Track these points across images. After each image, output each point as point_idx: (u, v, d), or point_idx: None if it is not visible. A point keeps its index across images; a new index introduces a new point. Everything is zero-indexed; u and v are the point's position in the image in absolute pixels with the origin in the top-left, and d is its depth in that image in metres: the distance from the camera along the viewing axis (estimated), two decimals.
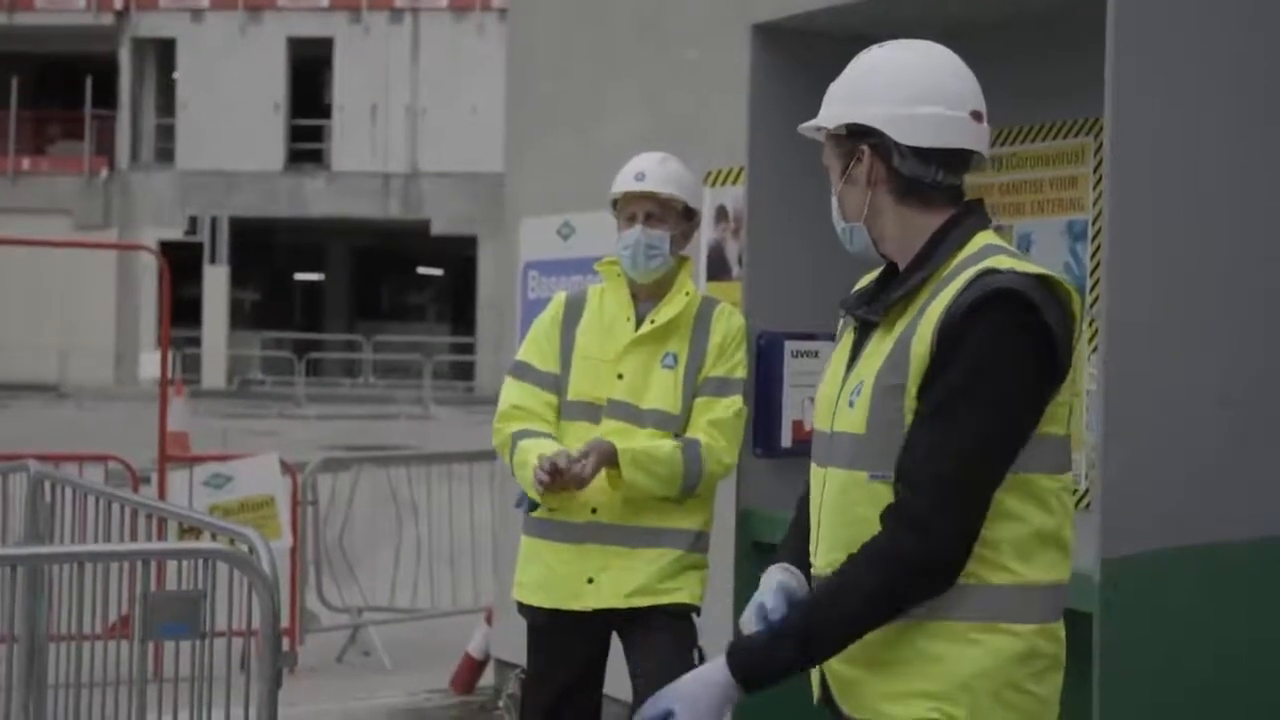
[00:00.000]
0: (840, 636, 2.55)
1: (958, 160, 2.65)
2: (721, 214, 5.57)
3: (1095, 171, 4.03)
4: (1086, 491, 3.98)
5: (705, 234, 5.56)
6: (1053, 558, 2.56)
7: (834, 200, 2.74)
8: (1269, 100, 3.45)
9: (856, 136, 2.65)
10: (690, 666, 4.11)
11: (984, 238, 2.64)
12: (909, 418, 2.53)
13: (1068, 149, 4.18)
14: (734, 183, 5.38)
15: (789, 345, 4.40)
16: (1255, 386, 3.43)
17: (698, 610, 4.24)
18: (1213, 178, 3.40)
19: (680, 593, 4.18)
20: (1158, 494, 3.31)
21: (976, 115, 2.67)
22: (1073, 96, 4.08)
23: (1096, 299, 3.79)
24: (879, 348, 2.63)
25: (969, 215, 2.67)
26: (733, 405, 4.19)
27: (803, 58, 4.40)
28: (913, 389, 2.52)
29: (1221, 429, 3.38)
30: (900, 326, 2.60)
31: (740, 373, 4.24)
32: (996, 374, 2.47)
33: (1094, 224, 4.05)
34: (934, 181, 2.64)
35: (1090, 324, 3.97)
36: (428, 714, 7.08)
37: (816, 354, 4.47)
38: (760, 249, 4.41)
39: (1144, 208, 3.33)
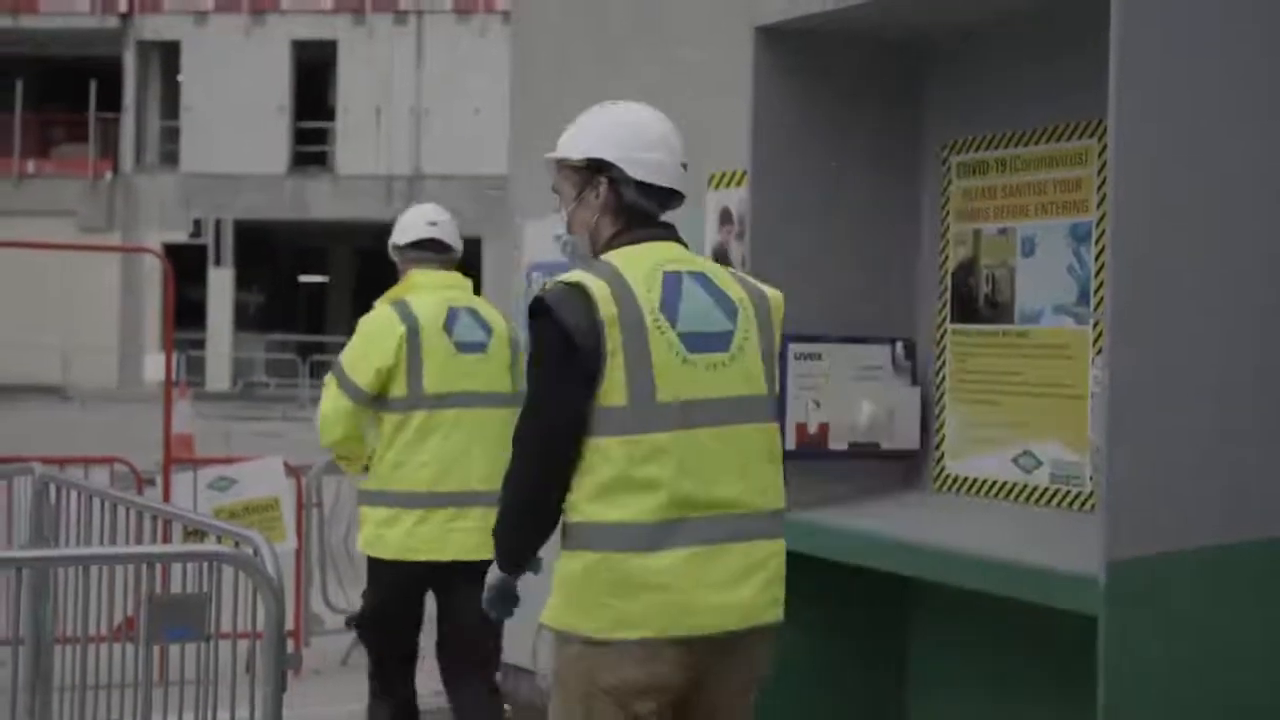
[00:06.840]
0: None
1: (666, 196, 3.40)
2: (725, 216, 5.57)
3: (1099, 174, 4.03)
4: (1091, 494, 3.98)
5: (709, 237, 5.56)
6: (622, 501, 3.18)
7: (562, 214, 3.49)
8: (1273, 101, 3.45)
9: (594, 170, 3.39)
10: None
11: (618, 254, 3.33)
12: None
13: (1071, 151, 4.18)
14: (737, 185, 5.37)
15: (792, 347, 4.40)
16: (1260, 387, 3.42)
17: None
18: (1216, 179, 3.40)
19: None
20: (1163, 496, 3.31)
21: (684, 165, 3.43)
22: (1076, 99, 4.08)
23: (1100, 301, 3.79)
24: None
25: (635, 231, 3.37)
26: None
27: (805, 60, 4.40)
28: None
29: (1226, 430, 3.38)
30: None
31: None
32: (537, 359, 3.25)
33: (1098, 226, 4.05)
34: (645, 210, 3.38)
35: (1095, 326, 3.97)
36: (431, 716, 7.07)
37: (820, 356, 4.46)
38: (763, 251, 4.41)
39: (1147, 210, 3.33)
